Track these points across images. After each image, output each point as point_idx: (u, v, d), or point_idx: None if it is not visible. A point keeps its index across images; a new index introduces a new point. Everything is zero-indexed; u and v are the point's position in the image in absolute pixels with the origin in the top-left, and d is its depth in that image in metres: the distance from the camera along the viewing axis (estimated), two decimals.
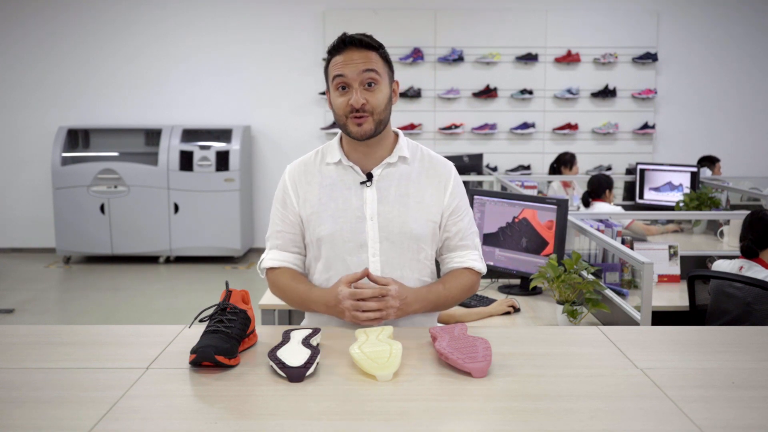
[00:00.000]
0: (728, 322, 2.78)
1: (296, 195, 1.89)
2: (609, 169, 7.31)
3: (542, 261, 2.81)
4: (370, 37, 1.82)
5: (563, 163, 6.00)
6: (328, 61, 1.84)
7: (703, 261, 3.55)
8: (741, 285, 2.76)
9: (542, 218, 2.87)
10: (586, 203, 4.83)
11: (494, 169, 7.13)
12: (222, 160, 6.73)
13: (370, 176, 1.86)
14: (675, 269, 3.48)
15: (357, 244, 1.83)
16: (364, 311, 1.73)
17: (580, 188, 5.80)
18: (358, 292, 1.73)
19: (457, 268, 1.93)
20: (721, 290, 2.87)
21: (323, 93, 7.16)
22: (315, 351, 1.47)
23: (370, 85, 1.78)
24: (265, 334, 1.68)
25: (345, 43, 1.79)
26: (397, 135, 1.92)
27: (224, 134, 6.90)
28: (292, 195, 1.90)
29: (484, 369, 1.43)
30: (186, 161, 6.71)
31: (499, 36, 7.24)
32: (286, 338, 1.56)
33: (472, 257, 1.94)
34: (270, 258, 1.92)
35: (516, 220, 2.95)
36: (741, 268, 2.98)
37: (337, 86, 1.80)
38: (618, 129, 7.33)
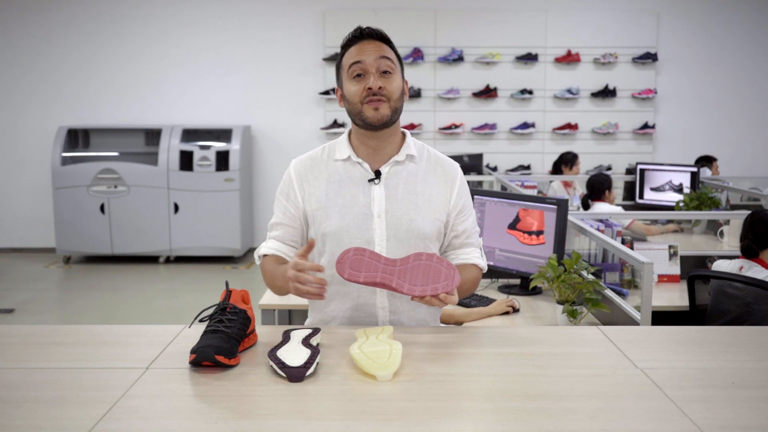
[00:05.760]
0: (728, 322, 2.78)
1: (301, 189, 1.90)
2: (609, 169, 7.31)
3: (543, 261, 2.81)
4: (383, 32, 1.87)
5: (564, 162, 5.99)
6: (341, 55, 1.85)
7: (703, 261, 3.55)
8: (741, 285, 2.76)
9: (539, 217, 2.87)
10: (586, 206, 4.79)
11: (494, 169, 7.13)
12: (222, 160, 6.73)
13: (378, 174, 1.87)
14: (675, 269, 3.48)
15: (363, 240, 1.83)
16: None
17: (580, 188, 5.80)
18: (300, 263, 1.64)
19: (463, 263, 1.95)
20: (721, 290, 2.87)
21: (323, 93, 7.17)
22: (315, 351, 1.47)
23: (385, 72, 1.82)
24: (265, 334, 1.68)
25: (362, 35, 1.83)
26: (404, 135, 1.94)
27: (224, 134, 6.89)
28: (296, 189, 1.90)
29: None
30: (186, 161, 6.71)
31: (499, 36, 7.23)
32: (286, 338, 1.56)
33: (476, 255, 1.97)
34: (266, 246, 1.94)
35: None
36: (741, 268, 2.98)
37: (353, 74, 1.82)
38: (618, 129, 7.32)
